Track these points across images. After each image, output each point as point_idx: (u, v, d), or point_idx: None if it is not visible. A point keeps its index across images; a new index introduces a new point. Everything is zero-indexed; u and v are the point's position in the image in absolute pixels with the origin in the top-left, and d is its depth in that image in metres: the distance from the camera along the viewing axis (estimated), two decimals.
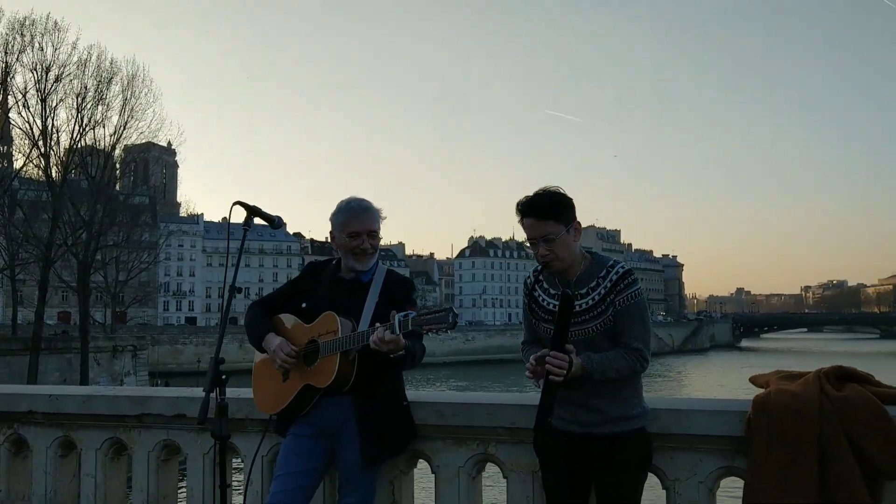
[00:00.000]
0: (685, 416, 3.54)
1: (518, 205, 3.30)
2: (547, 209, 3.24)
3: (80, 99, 43.15)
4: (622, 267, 3.30)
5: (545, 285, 3.42)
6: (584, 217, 3.37)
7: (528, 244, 3.36)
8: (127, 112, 44.53)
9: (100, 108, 43.86)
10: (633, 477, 3.31)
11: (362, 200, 3.77)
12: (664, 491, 3.66)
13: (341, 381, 3.56)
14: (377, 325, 3.43)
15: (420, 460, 4.16)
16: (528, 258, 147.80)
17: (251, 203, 3.30)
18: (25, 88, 40.46)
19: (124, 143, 45.40)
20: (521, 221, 3.32)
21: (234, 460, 4.57)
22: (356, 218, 3.72)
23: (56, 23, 40.80)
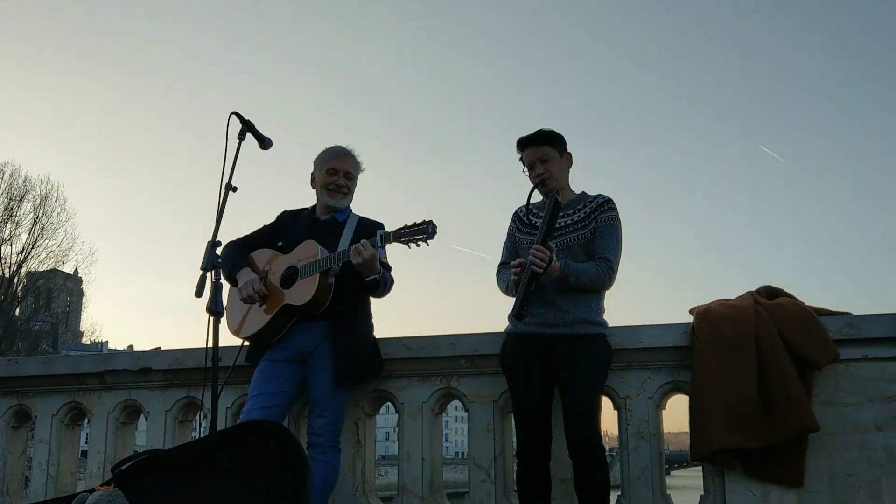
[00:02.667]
0: (636, 331, 3.86)
1: (518, 141, 3.79)
2: (542, 136, 3.75)
3: None
4: (606, 196, 3.75)
5: (534, 210, 3.83)
6: None
7: (525, 173, 3.78)
8: (37, 231, 43.80)
9: (8, 225, 43.07)
10: (595, 373, 3.56)
11: (346, 147, 4.09)
12: (616, 412, 3.94)
13: (319, 301, 3.76)
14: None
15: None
16: None
17: (248, 118, 3.57)
18: None
19: (32, 261, 44.33)
20: (521, 157, 3.79)
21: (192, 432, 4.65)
22: (336, 157, 4.03)
23: None
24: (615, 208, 3.71)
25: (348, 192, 4.04)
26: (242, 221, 4.14)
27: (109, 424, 4.56)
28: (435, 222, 3.52)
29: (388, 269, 3.94)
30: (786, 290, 3.89)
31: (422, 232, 3.52)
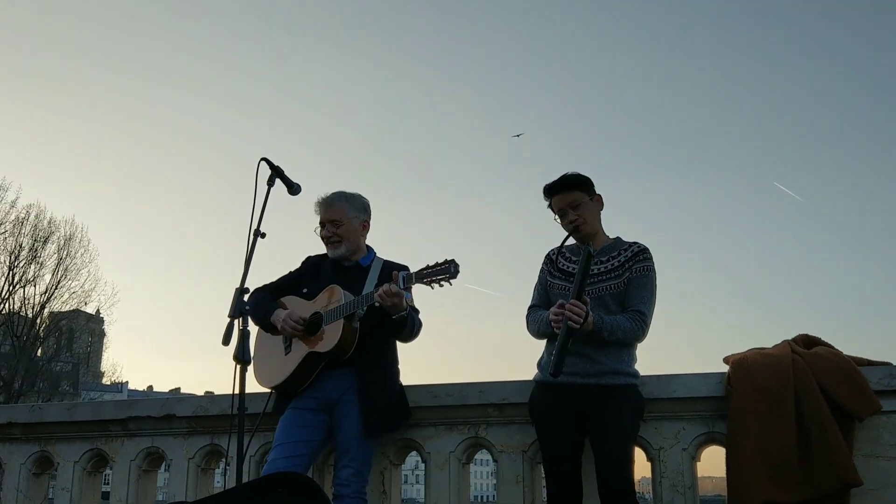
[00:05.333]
0: (670, 380, 3.76)
1: (545, 188, 3.68)
2: (571, 182, 3.63)
3: (12, 257, 42.72)
4: (642, 245, 3.65)
5: (567, 254, 3.73)
6: None
7: (557, 220, 3.67)
8: (60, 271, 44.15)
9: (32, 266, 43.44)
10: (627, 422, 3.46)
11: (334, 193, 4.01)
12: (649, 463, 3.83)
13: (344, 347, 3.70)
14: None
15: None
16: None
17: (277, 164, 3.57)
18: None
19: (54, 302, 44.60)
20: (550, 204, 3.68)
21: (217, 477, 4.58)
22: (319, 210, 3.99)
23: None
24: (651, 258, 3.61)
25: (340, 238, 3.95)
26: (271, 268, 4.11)
27: (132, 472, 4.50)
28: (457, 261, 3.48)
29: (416, 312, 3.89)
30: (823, 339, 3.79)
31: (444, 272, 3.48)
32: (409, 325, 3.75)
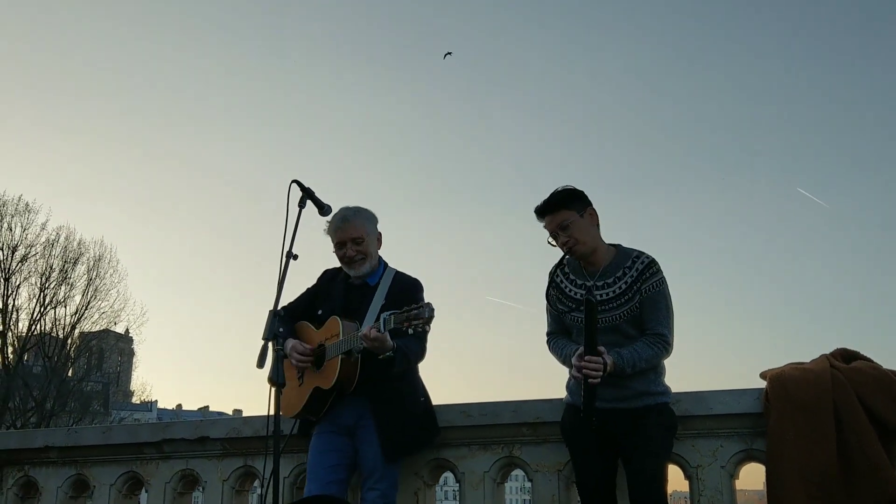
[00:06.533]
0: (706, 397, 3.72)
1: (535, 211, 3.57)
2: (556, 202, 3.51)
3: (43, 278, 43.24)
4: (647, 257, 3.52)
5: (570, 275, 3.62)
6: None
7: (551, 243, 3.57)
8: (90, 292, 44.61)
9: (63, 287, 43.94)
10: (658, 439, 3.41)
11: (345, 210, 3.93)
12: (687, 481, 3.79)
13: (344, 382, 3.67)
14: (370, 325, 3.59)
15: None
16: None
17: (307, 185, 3.57)
18: None
19: (85, 323, 45.03)
20: (544, 226, 3.57)
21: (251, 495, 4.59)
22: (337, 229, 3.90)
23: (27, 204, 41.37)
24: (659, 270, 3.48)
25: (364, 256, 3.89)
26: (302, 289, 4.11)
27: (167, 494, 4.52)
28: (433, 305, 3.41)
29: (421, 340, 3.79)
30: (862, 352, 3.73)
31: (418, 317, 3.40)
32: (397, 365, 3.63)
